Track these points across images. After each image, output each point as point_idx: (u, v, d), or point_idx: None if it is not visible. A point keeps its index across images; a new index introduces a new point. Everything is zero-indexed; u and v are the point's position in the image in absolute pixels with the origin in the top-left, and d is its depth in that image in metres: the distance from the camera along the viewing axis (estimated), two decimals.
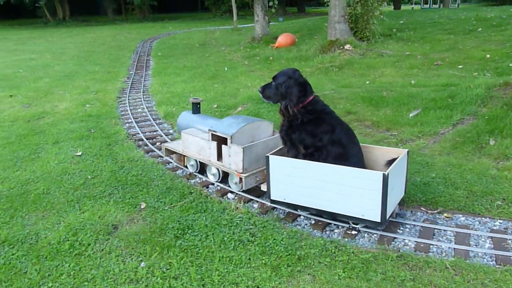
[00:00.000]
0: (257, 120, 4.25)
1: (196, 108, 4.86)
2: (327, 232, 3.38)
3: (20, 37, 23.02)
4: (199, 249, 3.11)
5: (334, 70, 9.18)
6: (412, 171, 4.23)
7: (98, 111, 7.08)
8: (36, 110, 7.24)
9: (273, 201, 3.71)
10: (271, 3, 14.45)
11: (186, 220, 3.50)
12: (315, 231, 3.39)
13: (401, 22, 15.57)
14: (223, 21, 30.86)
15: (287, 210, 3.72)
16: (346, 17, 10.86)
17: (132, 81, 9.74)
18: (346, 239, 3.24)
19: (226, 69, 10.48)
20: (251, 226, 3.41)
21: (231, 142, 3.99)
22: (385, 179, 3.04)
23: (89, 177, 4.46)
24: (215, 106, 7.02)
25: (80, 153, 5.12)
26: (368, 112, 6.20)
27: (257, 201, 3.90)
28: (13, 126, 6.40)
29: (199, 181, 4.37)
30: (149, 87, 9.08)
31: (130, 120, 6.57)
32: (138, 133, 5.88)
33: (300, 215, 3.62)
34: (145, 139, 5.60)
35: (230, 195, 4.04)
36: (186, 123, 4.81)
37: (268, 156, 3.58)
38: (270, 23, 15.80)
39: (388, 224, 3.39)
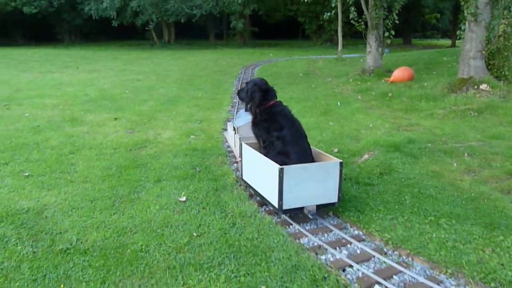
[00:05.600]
0: None
1: (247, 108, 5.80)
2: None
3: (129, 57, 24.10)
4: None
5: (472, 115, 7.72)
6: None
7: (203, 144, 6.41)
8: (139, 138, 6.78)
9: (243, 180, 4.57)
10: (386, 34, 13.29)
11: None
12: None
13: None
14: (324, 50, 30.08)
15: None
16: (483, 52, 9.35)
17: (236, 111, 9.08)
18: None
19: (339, 104, 9.41)
20: None
21: (237, 133, 5.41)
22: (281, 172, 3.63)
23: (195, 234, 3.66)
24: (336, 150, 5.96)
25: (184, 199, 4.39)
26: None
27: None
28: (115, 154, 5.93)
29: (331, 259, 3.36)
30: None
31: (238, 159, 5.78)
32: None
33: None
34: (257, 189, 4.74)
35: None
36: (238, 118, 6.00)
37: (241, 144, 4.52)
38: None
39: None
